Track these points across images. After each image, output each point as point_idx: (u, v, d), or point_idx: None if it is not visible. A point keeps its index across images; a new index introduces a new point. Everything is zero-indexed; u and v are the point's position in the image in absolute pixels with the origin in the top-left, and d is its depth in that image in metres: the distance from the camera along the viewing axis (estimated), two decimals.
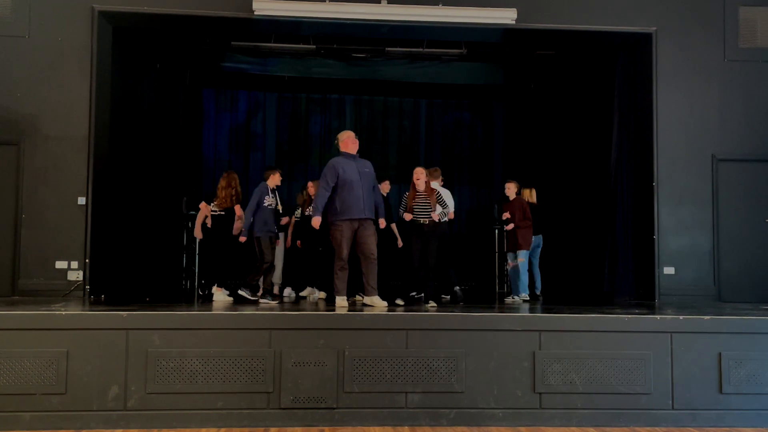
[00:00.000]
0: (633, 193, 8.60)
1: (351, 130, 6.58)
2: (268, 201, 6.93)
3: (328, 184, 6.10)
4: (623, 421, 4.94)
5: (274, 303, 6.60)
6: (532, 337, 5.00)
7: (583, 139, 9.73)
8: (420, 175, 6.97)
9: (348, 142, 6.30)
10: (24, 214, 7.54)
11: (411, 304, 6.67)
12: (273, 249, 7.04)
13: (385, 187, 7.75)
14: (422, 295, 6.95)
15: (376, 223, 6.39)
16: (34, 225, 7.53)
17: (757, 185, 8.26)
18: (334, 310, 5.50)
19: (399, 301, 6.59)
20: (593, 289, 8.94)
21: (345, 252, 6.09)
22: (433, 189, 7.01)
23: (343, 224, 6.07)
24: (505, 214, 7.65)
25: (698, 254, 8.12)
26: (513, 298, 7.61)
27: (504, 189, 8.10)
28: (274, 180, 7.06)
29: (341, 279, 6.13)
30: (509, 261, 7.77)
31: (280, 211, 7.24)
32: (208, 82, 11.09)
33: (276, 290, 8.15)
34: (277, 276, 8.10)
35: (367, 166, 6.30)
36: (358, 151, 6.45)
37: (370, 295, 6.14)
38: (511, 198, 7.86)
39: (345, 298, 6.13)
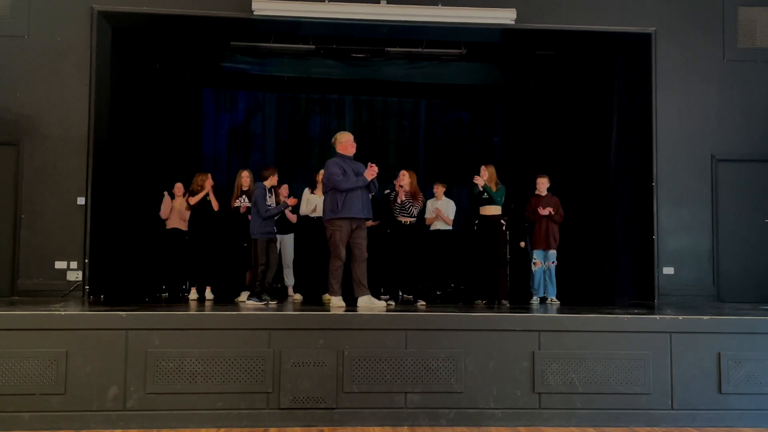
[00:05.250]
0: (632, 193, 8.61)
1: (350, 130, 6.67)
2: (270, 202, 6.89)
3: (339, 175, 6.10)
4: (622, 421, 4.94)
5: (260, 303, 6.45)
6: (532, 337, 5.00)
7: (582, 140, 9.73)
8: (403, 177, 7.41)
9: (347, 145, 6.33)
10: (23, 214, 7.54)
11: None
12: (275, 252, 6.99)
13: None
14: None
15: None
16: (33, 225, 7.53)
17: (757, 185, 8.27)
18: (329, 311, 5.50)
19: (389, 301, 6.67)
20: (592, 289, 8.94)
21: (343, 252, 6.12)
22: (416, 193, 7.41)
23: (342, 223, 6.09)
24: (548, 208, 7.36)
25: (697, 254, 8.12)
26: (551, 300, 7.43)
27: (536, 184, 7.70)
28: (272, 180, 7.01)
29: (337, 279, 6.13)
30: (536, 260, 7.56)
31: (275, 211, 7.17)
32: (207, 82, 11.07)
33: (290, 291, 8.16)
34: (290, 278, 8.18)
35: (361, 169, 6.31)
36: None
37: (362, 294, 6.12)
38: (543, 194, 7.59)
39: (341, 298, 6.11)
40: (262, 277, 6.76)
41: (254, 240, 6.75)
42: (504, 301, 6.90)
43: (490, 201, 6.99)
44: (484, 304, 6.89)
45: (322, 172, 7.95)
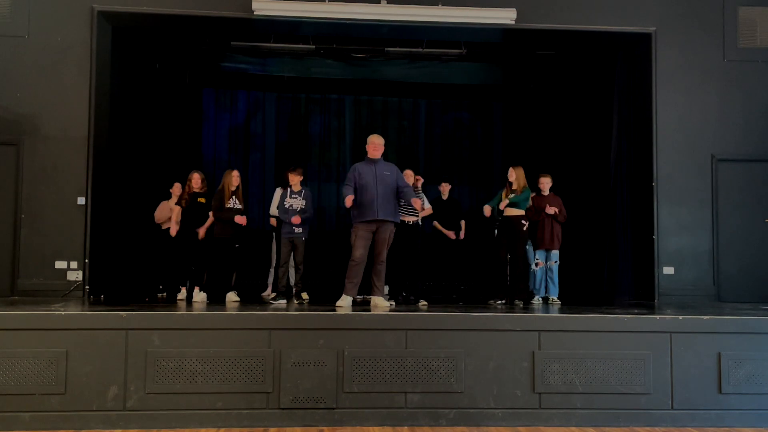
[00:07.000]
0: (632, 193, 8.61)
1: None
2: (288, 203, 7.08)
3: (349, 186, 6.26)
4: (622, 421, 4.94)
5: (283, 302, 6.71)
6: (532, 337, 5.00)
7: (582, 139, 9.73)
8: (408, 177, 7.44)
9: (370, 147, 6.43)
10: (23, 214, 7.55)
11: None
12: (298, 252, 7.10)
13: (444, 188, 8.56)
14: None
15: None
16: (33, 225, 7.53)
17: (757, 185, 8.27)
18: (334, 310, 5.50)
19: (391, 302, 6.69)
20: (593, 289, 8.94)
21: (358, 253, 6.15)
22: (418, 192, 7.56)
23: (359, 226, 6.20)
24: (552, 208, 7.34)
25: (698, 254, 8.12)
26: (550, 299, 7.41)
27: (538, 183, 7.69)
28: (291, 180, 7.14)
29: (350, 279, 6.17)
30: (538, 260, 7.51)
31: (296, 211, 7.11)
32: (207, 82, 11.07)
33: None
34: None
35: (389, 169, 6.34)
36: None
37: (376, 295, 6.21)
38: (546, 193, 7.58)
39: (347, 298, 6.10)
40: (286, 276, 7.10)
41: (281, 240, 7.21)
42: (518, 301, 6.94)
43: (514, 203, 7.05)
44: (501, 304, 6.75)
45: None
